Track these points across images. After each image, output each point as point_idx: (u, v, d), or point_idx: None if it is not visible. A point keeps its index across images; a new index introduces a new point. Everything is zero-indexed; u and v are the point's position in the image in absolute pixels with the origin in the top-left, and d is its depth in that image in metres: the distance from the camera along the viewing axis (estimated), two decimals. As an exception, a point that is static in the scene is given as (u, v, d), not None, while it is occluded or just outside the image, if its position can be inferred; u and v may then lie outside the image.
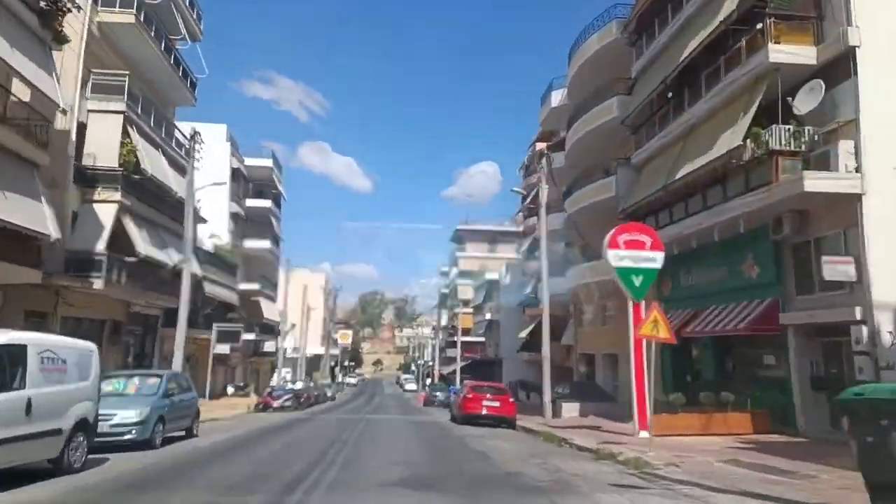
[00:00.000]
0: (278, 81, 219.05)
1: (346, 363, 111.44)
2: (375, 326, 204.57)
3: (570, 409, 22.17)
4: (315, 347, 77.24)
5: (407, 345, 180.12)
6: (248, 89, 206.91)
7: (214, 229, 38.60)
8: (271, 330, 47.26)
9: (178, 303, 22.43)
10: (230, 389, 38.77)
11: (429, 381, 79.94)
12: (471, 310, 59.00)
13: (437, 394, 40.14)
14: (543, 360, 22.91)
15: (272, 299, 47.34)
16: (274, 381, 46.36)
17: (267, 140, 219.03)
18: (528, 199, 43.94)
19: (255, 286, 41.77)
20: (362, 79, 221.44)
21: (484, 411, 20.50)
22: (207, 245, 36.02)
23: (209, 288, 32.54)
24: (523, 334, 42.40)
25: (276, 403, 27.47)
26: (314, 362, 77.37)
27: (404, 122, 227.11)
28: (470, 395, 21.34)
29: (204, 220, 35.31)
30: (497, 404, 20.51)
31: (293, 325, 71.48)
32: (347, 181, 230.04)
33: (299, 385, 34.07)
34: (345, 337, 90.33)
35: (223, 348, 33.99)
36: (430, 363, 74.89)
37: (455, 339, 70.14)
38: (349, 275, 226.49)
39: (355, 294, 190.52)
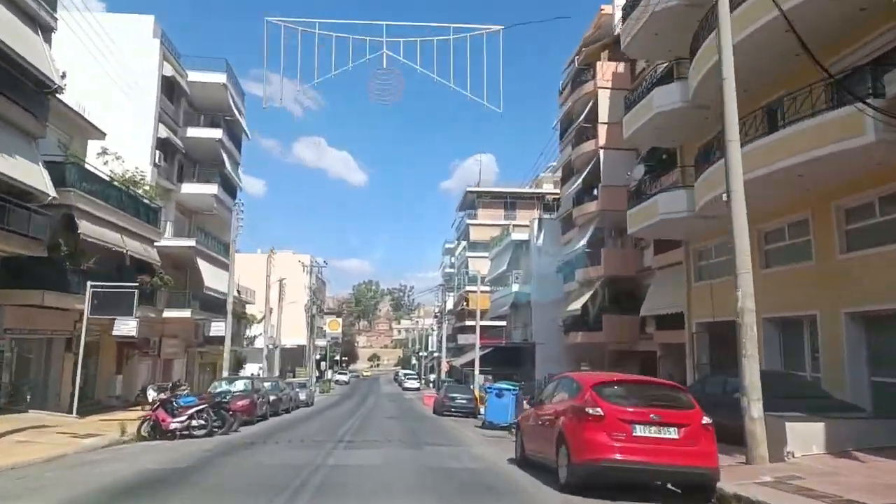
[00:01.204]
0: (271, 78, 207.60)
1: (339, 357, 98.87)
2: (371, 319, 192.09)
3: (805, 437, 9.73)
4: (298, 338, 64.96)
5: (405, 337, 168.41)
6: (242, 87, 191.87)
7: (133, 159, 26.07)
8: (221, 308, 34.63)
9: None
10: (152, 393, 25.85)
11: (433, 376, 67.45)
12: (487, 288, 46.49)
13: (456, 397, 27.59)
14: (743, 323, 10.42)
15: (223, 266, 34.76)
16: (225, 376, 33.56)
17: (262, 137, 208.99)
18: (580, 118, 31.42)
19: (187, 242, 29.17)
20: (355, 73, 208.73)
21: (650, 462, 7.59)
22: (104, 170, 23.39)
23: (91, 228, 19.96)
24: (575, 306, 29.90)
25: (173, 424, 14.95)
26: (296, 355, 64.94)
27: (399, 115, 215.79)
28: (603, 414, 7.83)
29: (102, 134, 22.92)
30: (674, 434, 7.86)
31: (270, 311, 59.42)
32: (343, 175, 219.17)
33: (239, 387, 21.45)
34: (334, 325, 78.07)
35: (126, 327, 21.48)
36: (436, 354, 62.36)
37: (465, 324, 57.87)
38: (342, 270, 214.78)
39: (348, 287, 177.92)
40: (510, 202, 58.65)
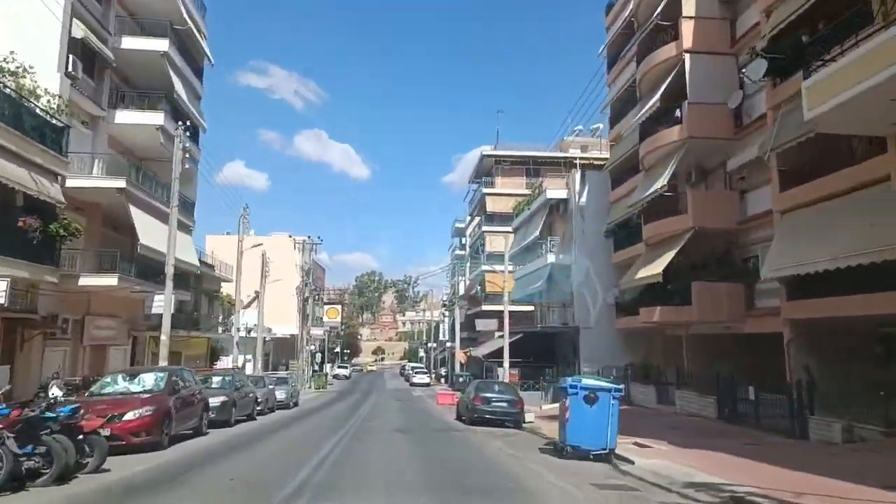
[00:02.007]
0: (273, 71, 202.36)
1: (340, 350, 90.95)
2: (375, 311, 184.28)
3: None
4: (292, 326, 57.10)
5: (411, 330, 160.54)
6: (242, 79, 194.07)
7: (41, 71, 17.95)
8: (178, 281, 26.56)
9: None
10: (56, 391, 17.49)
11: (443, 370, 59.32)
12: (510, 266, 38.37)
13: (493, 398, 19.18)
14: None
15: (183, 229, 26.67)
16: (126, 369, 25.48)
17: (263, 129, 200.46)
18: (648, 22, 22.95)
19: (113, 182, 20.96)
20: (357, 66, 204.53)
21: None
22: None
23: None
24: (652, 271, 21.59)
25: None
26: (290, 346, 56.95)
27: (401, 107, 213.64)
28: None
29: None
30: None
31: (256, 294, 51.69)
32: (346, 168, 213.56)
33: (147, 384, 13.23)
34: (332, 313, 70.06)
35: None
36: (448, 344, 54.16)
37: (482, 308, 49.70)
38: (345, 263, 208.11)
39: (351, 280, 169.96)
40: (533, 168, 50.24)
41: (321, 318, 72.64)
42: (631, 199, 26.69)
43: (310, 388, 49.49)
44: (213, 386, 17.85)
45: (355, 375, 76.79)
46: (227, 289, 42.37)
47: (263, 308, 39.92)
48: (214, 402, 15.73)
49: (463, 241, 69.73)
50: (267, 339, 52.87)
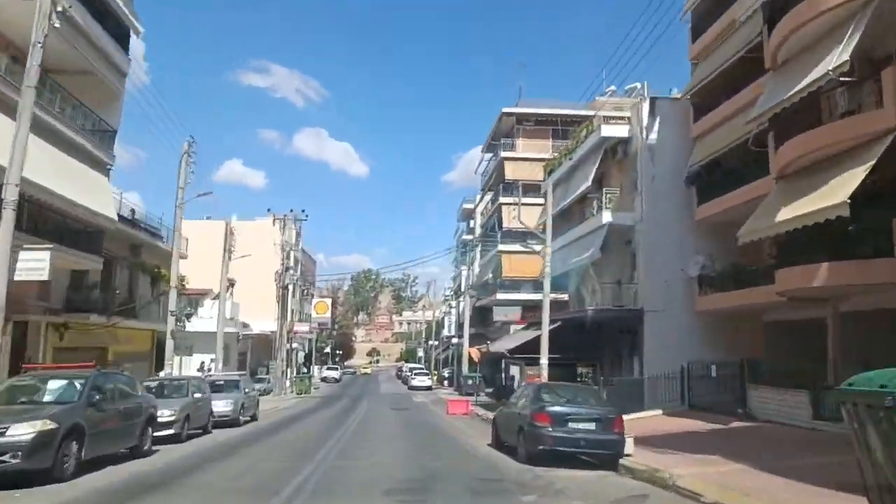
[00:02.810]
0: (274, 70, 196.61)
1: (331, 350, 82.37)
2: (370, 311, 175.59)
3: None
4: (273, 323, 48.73)
5: (408, 330, 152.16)
6: (243, 79, 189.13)
7: None
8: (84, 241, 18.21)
9: None
10: None
11: (446, 371, 50.81)
12: (543, 246, 29.80)
13: (572, 414, 10.68)
14: None
15: (92, 162, 18.41)
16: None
17: (264, 128, 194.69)
18: None
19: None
20: (358, 64, 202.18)
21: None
22: None
23: None
24: (803, 210, 13.08)
25: None
26: (270, 346, 48.46)
27: (401, 106, 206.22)
28: None
29: None
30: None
31: (231, 285, 44.23)
32: (344, 166, 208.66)
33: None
34: (321, 307, 61.61)
35: None
36: (455, 340, 45.65)
37: (497, 297, 41.33)
38: (341, 265, 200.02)
39: (347, 281, 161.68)
40: (562, 130, 41.77)
41: (309, 315, 64.19)
42: (734, 123, 18.39)
43: (290, 393, 41.05)
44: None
45: (347, 378, 68.21)
46: (192, 276, 33.84)
47: (225, 293, 31.44)
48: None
49: (472, 223, 61.35)
50: (241, 336, 44.52)
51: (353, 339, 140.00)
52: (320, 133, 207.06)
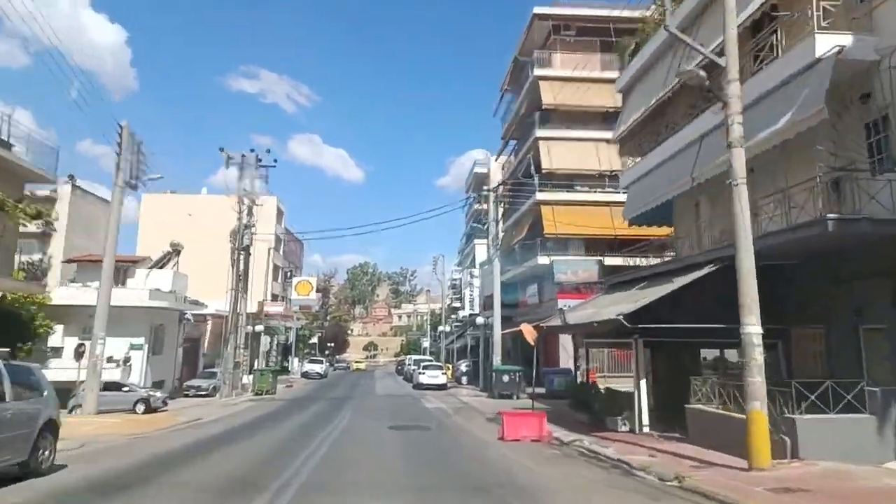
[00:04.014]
0: (264, 76, 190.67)
1: (319, 341, 70.41)
2: (368, 305, 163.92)
3: None
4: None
5: (408, 323, 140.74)
6: (233, 84, 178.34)
7: None
8: None
9: None
10: None
11: (464, 364, 38.75)
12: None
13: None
14: None
15: None
16: None
17: (256, 134, 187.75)
18: None
19: None
20: (349, 70, 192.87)
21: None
22: None
23: None
24: None
25: None
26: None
27: (395, 111, 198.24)
28: None
29: None
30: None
31: (177, 252, 33.22)
32: (340, 172, 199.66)
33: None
34: (304, 287, 49.75)
35: None
36: (479, 321, 33.46)
37: (536, 262, 29.51)
38: (338, 264, 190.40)
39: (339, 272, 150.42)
40: (615, 41, 29.67)
41: (288, 298, 52.23)
42: None
43: (250, 392, 29.21)
44: None
45: (337, 374, 56.15)
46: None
47: (116, 231, 19.26)
48: None
49: (485, 188, 49.42)
50: (187, 316, 32.53)
51: (350, 332, 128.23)
52: (313, 139, 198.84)
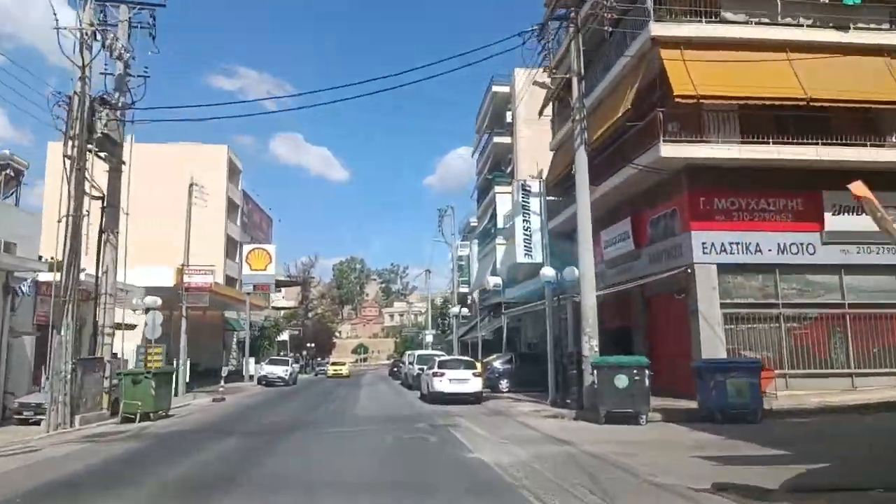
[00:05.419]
0: (244, 73, 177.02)
1: (291, 337, 56.01)
2: (356, 304, 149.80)
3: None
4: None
5: (400, 323, 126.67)
6: (213, 82, 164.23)
7: None
8: None
9: None
10: None
11: (500, 363, 24.36)
12: None
13: None
14: None
15: None
16: None
17: (238, 133, 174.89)
18: None
19: None
20: (332, 67, 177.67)
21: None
22: None
23: None
24: None
25: None
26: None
27: (378, 109, 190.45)
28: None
29: None
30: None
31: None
32: (323, 172, 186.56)
33: None
34: (259, 258, 35.51)
35: None
36: (548, 273, 19.00)
37: (660, 154, 15.27)
38: (324, 268, 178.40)
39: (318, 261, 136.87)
40: None
41: (241, 279, 37.82)
42: None
43: (109, 419, 15.07)
44: None
45: (310, 380, 41.47)
46: None
47: None
48: None
49: (510, 108, 35.42)
50: (25, 286, 18.29)
51: (338, 334, 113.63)
52: (296, 138, 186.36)
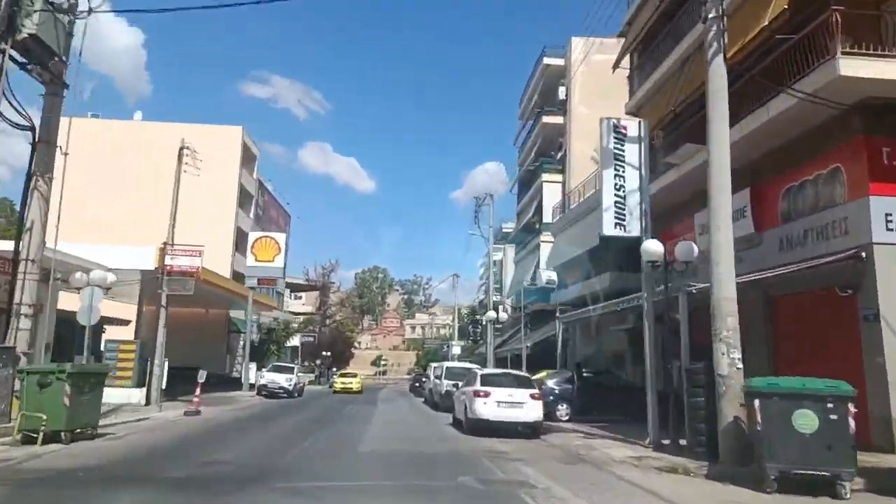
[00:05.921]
0: (275, 81, 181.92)
1: (302, 345, 51.18)
2: (378, 315, 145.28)
3: None
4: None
5: (422, 336, 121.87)
6: (245, 89, 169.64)
7: None
8: None
9: None
10: None
11: (553, 381, 18.88)
12: None
13: None
14: None
15: None
16: None
17: (267, 141, 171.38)
18: None
19: None
20: (362, 77, 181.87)
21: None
22: None
23: None
24: None
25: None
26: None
27: (407, 121, 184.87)
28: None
29: None
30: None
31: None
32: (350, 181, 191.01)
33: None
34: (266, 250, 30.83)
35: None
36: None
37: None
38: (346, 279, 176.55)
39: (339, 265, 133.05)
40: None
41: (245, 271, 33.00)
42: None
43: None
44: None
45: (321, 393, 36.25)
46: None
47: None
48: None
49: (562, 83, 30.29)
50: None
51: (357, 345, 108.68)
52: (324, 147, 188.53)
